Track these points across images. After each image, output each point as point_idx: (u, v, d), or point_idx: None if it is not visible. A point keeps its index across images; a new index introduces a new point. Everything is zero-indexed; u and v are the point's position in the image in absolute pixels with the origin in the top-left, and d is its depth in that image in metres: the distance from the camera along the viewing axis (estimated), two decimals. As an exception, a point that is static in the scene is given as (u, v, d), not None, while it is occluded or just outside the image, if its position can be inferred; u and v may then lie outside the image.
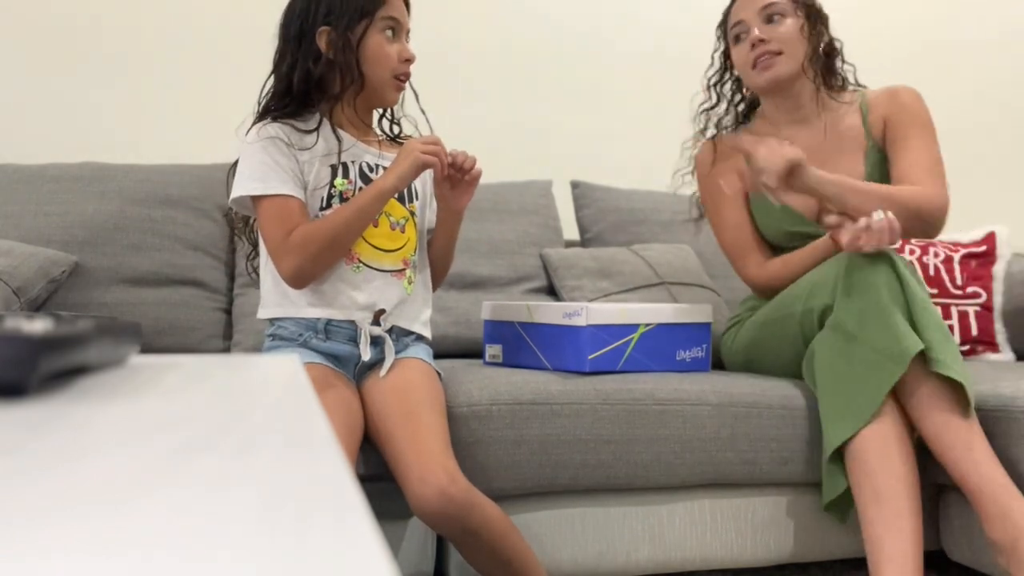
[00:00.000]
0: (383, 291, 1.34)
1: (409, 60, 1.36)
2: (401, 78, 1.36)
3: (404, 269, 1.37)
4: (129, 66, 2.18)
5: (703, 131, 1.74)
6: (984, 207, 2.25)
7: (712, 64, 1.75)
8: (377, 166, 1.37)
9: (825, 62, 1.65)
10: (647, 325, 1.48)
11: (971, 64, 2.75)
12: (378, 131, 1.47)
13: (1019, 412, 1.34)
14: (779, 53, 1.58)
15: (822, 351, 1.38)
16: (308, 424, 0.37)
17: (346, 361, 1.33)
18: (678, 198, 2.26)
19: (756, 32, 1.59)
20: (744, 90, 1.76)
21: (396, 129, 1.47)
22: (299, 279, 1.28)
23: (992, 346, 2.03)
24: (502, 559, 1.19)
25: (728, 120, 1.76)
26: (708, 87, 1.75)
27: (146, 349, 1.64)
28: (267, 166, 1.29)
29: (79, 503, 0.23)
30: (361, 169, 1.36)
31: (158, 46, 2.20)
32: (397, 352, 1.35)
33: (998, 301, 2.05)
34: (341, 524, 0.22)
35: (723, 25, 1.71)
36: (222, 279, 1.86)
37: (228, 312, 1.84)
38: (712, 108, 1.75)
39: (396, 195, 1.34)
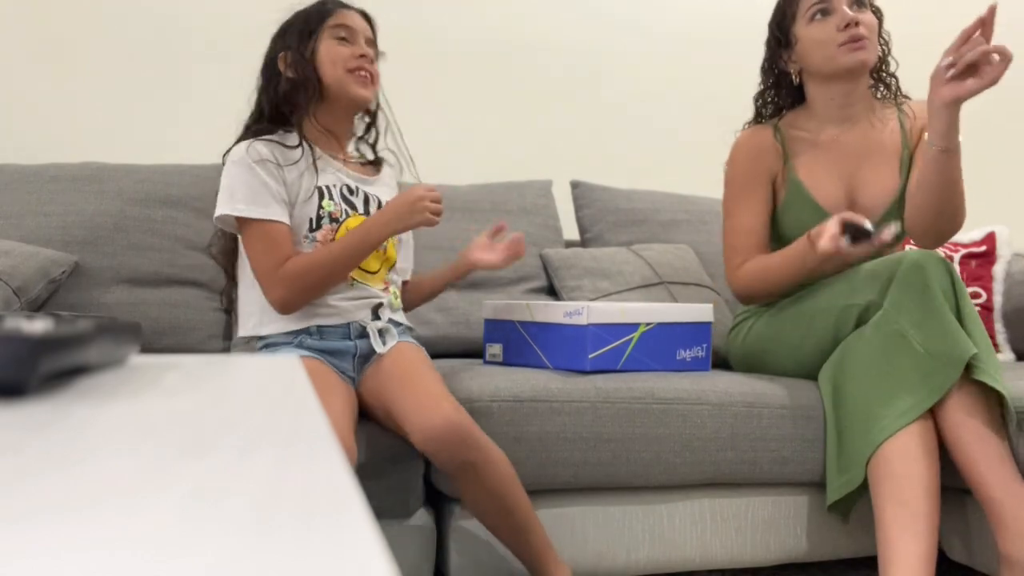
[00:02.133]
0: (376, 298, 1.41)
1: (364, 56, 1.39)
2: (360, 72, 1.38)
3: (388, 287, 1.43)
4: (129, 66, 2.18)
5: (759, 118, 1.74)
6: (984, 207, 2.24)
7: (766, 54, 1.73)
8: (358, 188, 1.41)
9: (878, 67, 1.68)
10: (647, 324, 1.48)
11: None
12: (354, 152, 1.50)
13: (1019, 412, 1.34)
14: (866, 39, 1.58)
15: (869, 347, 1.36)
16: (308, 424, 0.37)
17: (341, 355, 1.35)
18: (678, 198, 2.27)
19: (850, 11, 1.57)
20: (796, 77, 1.70)
21: (373, 155, 1.51)
22: (287, 309, 1.33)
23: (992, 346, 2.03)
24: (504, 506, 1.20)
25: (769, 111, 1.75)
26: (766, 73, 1.74)
27: (146, 349, 1.64)
28: (254, 188, 1.31)
29: (79, 503, 0.23)
30: (342, 192, 1.39)
31: (158, 46, 2.20)
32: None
33: (998, 301, 2.05)
34: (341, 524, 0.22)
35: (785, 7, 1.66)
36: (222, 279, 1.86)
37: (228, 312, 1.84)
38: (764, 93, 1.75)
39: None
